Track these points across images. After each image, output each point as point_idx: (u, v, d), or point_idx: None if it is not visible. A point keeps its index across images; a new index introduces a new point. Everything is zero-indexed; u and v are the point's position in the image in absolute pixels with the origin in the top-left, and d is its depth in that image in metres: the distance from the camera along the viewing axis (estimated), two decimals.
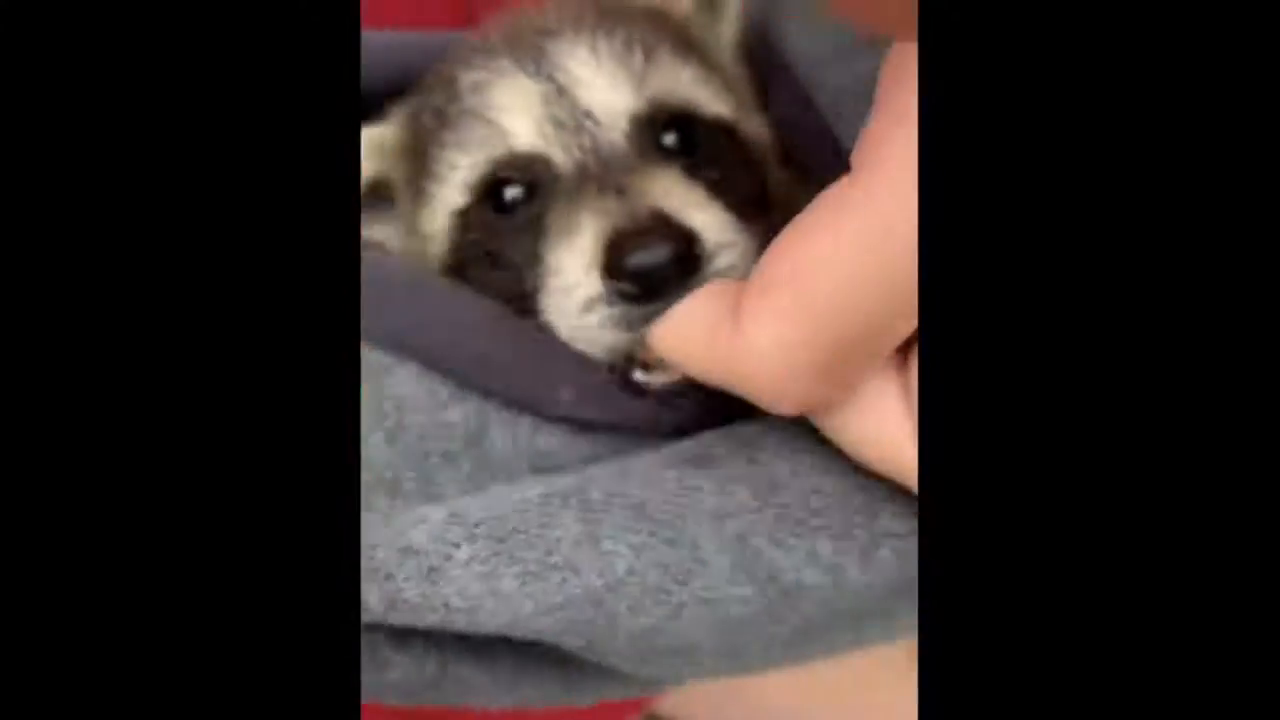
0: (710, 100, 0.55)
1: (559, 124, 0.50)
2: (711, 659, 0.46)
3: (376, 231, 0.57)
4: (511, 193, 0.51)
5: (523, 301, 0.48)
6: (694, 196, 0.47)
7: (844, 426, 0.41)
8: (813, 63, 0.55)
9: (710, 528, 0.42)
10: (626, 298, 0.43)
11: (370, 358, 0.45)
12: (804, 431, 0.44)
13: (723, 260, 0.44)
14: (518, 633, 0.42)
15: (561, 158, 0.50)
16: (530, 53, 0.53)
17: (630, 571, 0.41)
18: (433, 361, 0.45)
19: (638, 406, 0.46)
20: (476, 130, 0.52)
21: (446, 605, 0.41)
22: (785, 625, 0.44)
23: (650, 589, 0.41)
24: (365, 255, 0.45)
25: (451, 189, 0.52)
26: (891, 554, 0.43)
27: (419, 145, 0.55)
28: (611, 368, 0.46)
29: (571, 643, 0.43)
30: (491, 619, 0.41)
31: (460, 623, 0.42)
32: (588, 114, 0.50)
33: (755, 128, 0.57)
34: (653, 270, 0.42)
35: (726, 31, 0.61)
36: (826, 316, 0.36)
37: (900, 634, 0.49)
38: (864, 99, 0.46)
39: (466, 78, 0.53)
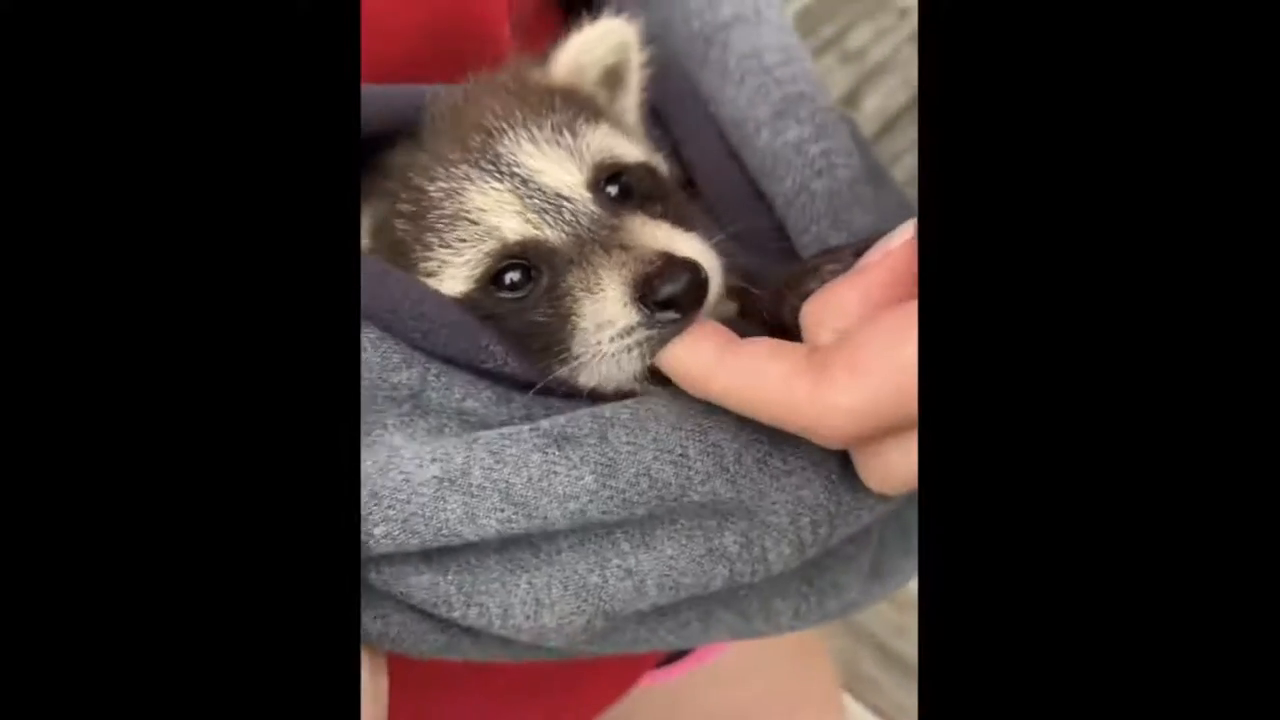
0: (626, 149, 0.65)
1: (541, 211, 0.60)
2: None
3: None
4: (511, 276, 0.60)
5: (542, 354, 0.58)
6: (667, 232, 0.59)
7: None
8: (742, 125, 0.69)
9: (559, 509, 0.53)
10: (659, 322, 0.55)
11: None
12: (658, 412, 0.56)
13: (714, 278, 0.56)
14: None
15: (553, 236, 0.59)
16: (486, 156, 0.62)
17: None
18: (388, 326, 0.56)
19: (546, 370, 0.58)
20: (465, 231, 0.60)
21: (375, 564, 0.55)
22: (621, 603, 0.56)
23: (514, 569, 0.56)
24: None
25: (451, 281, 0.60)
26: (683, 543, 0.56)
27: (396, 247, 0.62)
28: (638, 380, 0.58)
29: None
30: (403, 589, 0.55)
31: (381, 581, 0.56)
32: (558, 195, 0.60)
33: (660, 163, 0.69)
34: (681, 295, 0.54)
35: (630, 100, 0.73)
36: (894, 404, 0.47)
37: (722, 632, 0.61)
38: (788, 161, 0.66)
39: (436, 187, 0.62)
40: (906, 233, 0.52)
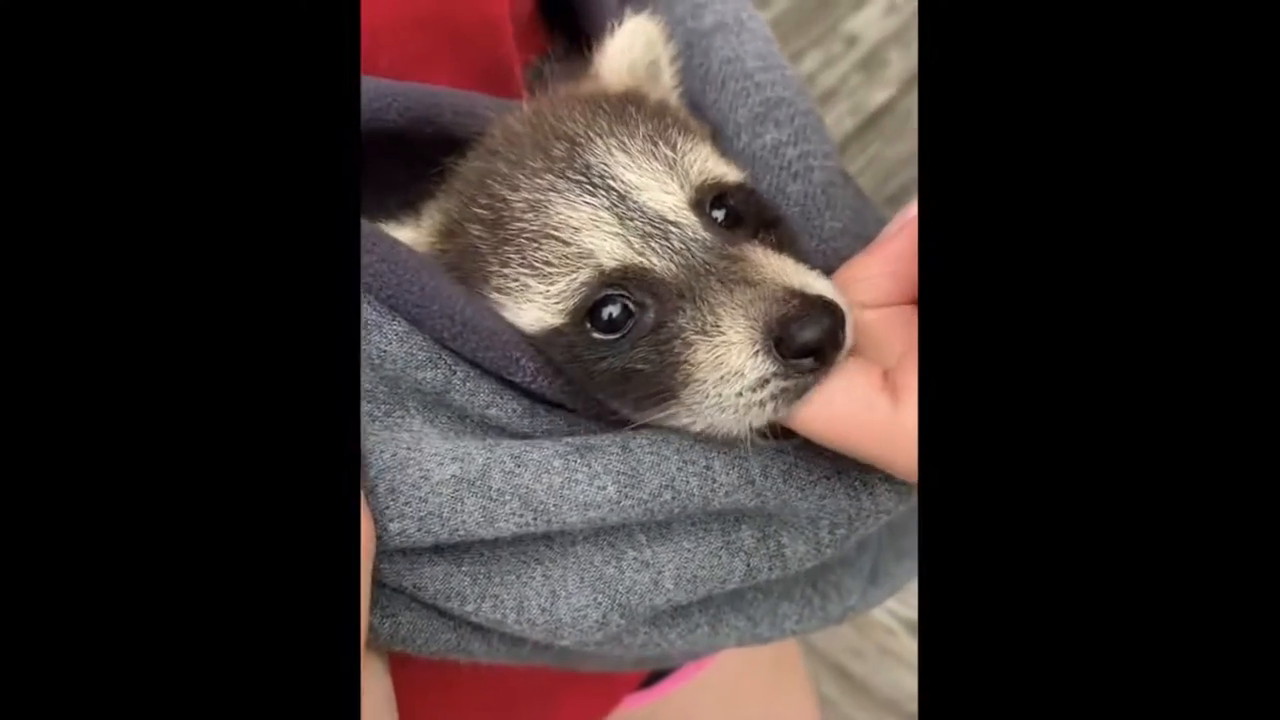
0: (722, 168, 0.59)
1: (645, 235, 0.53)
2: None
3: (400, 234, 0.59)
4: (610, 310, 0.54)
5: (636, 400, 0.53)
6: (793, 266, 0.53)
7: None
8: (723, 129, 0.66)
9: (579, 516, 0.51)
10: (796, 371, 0.49)
11: (367, 311, 0.51)
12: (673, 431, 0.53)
13: (850, 322, 0.51)
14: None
15: (660, 265, 0.53)
16: (574, 165, 0.55)
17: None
18: (417, 320, 0.51)
19: (576, 394, 0.54)
20: (553, 252, 0.53)
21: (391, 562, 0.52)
22: (639, 597, 0.54)
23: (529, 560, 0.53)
24: (385, 236, 0.53)
25: (539, 310, 0.54)
26: (708, 554, 0.54)
27: (469, 254, 0.57)
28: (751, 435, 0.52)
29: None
30: (415, 581, 0.53)
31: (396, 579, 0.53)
32: (662, 218, 0.54)
33: (749, 181, 0.63)
34: (821, 342, 0.49)
35: (668, 97, 0.69)
36: None
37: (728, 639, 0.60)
38: (766, 163, 0.62)
39: (519, 197, 0.55)
40: None
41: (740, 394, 0.50)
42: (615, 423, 0.55)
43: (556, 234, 0.54)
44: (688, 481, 0.51)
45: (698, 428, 0.53)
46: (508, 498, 0.50)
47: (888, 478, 0.55)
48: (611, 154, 0.56)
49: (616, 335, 0.53)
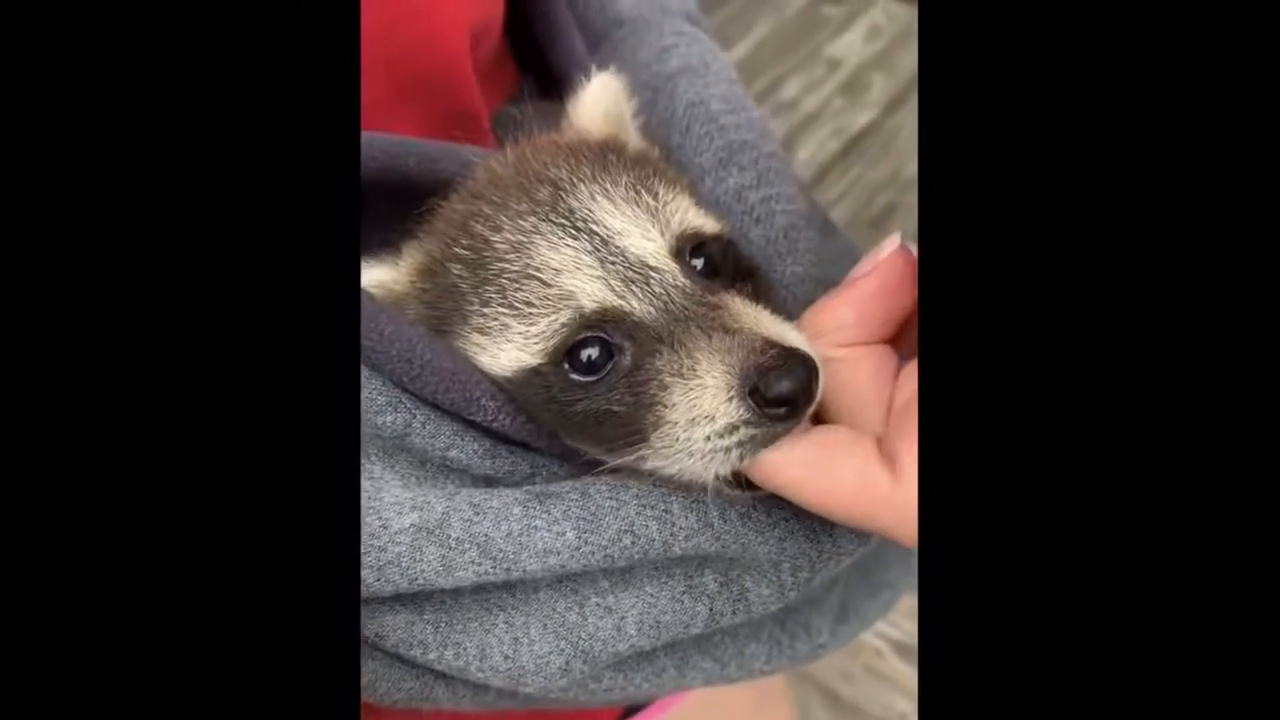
0: (702, 218, 0.59)
1: (626, 279, 0.53)
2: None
3: (375, 274, 0.59)
4: (589, 352, 0.53)
5: (608, 442, 0.53)
6: (770, 318, 0.53)
7: None
8: (687, 172, 0.65)
9: (539, 563, 0.51)
10: (768, 419, 0.49)
11: None
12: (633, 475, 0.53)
13: (822, 376, 0.50)
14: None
15: (639, 309, 0.53)
16: (557, 209, 0.55)
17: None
18: (376, 365, 0.52)
19: (539, 431, 0.55)
20: (535, 292, 0.53)
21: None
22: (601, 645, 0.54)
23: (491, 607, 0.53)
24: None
25: (517, 351, 0.54)
26: (670, 599, 0.54)
27: (449, 293, 0.56)
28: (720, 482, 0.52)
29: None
30: (377, 630, 0.53)
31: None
32: (642, 263, 0.54)
33: (728, 232, 0.62)
34: (795, 394, 0.48)
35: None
36: None
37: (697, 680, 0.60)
38: (729, 208, 0.63)
39: (501, 238, 0.55)
40: (893, 244, 0.53)
41: (708, 438, 0.50)
42: (580, 463, 0.55)
43: (538, 275, 0.54)
44: (647, 525, 0.52)
45: (667, 472, 0.52)
46: (466, 546, 0.50)
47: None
48: (595, 199, 0.56)
49: (594, 378, 0.53)
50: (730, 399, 0.49)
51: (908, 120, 2.04)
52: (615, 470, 0.54)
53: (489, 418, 0.53)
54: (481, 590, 0.53)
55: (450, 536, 0.50)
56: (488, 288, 0.55)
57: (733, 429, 0.49)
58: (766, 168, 0.66)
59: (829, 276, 0.61)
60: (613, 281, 0.53)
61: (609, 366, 0.53)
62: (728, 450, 0.50)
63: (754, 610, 0.55)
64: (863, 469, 0.47)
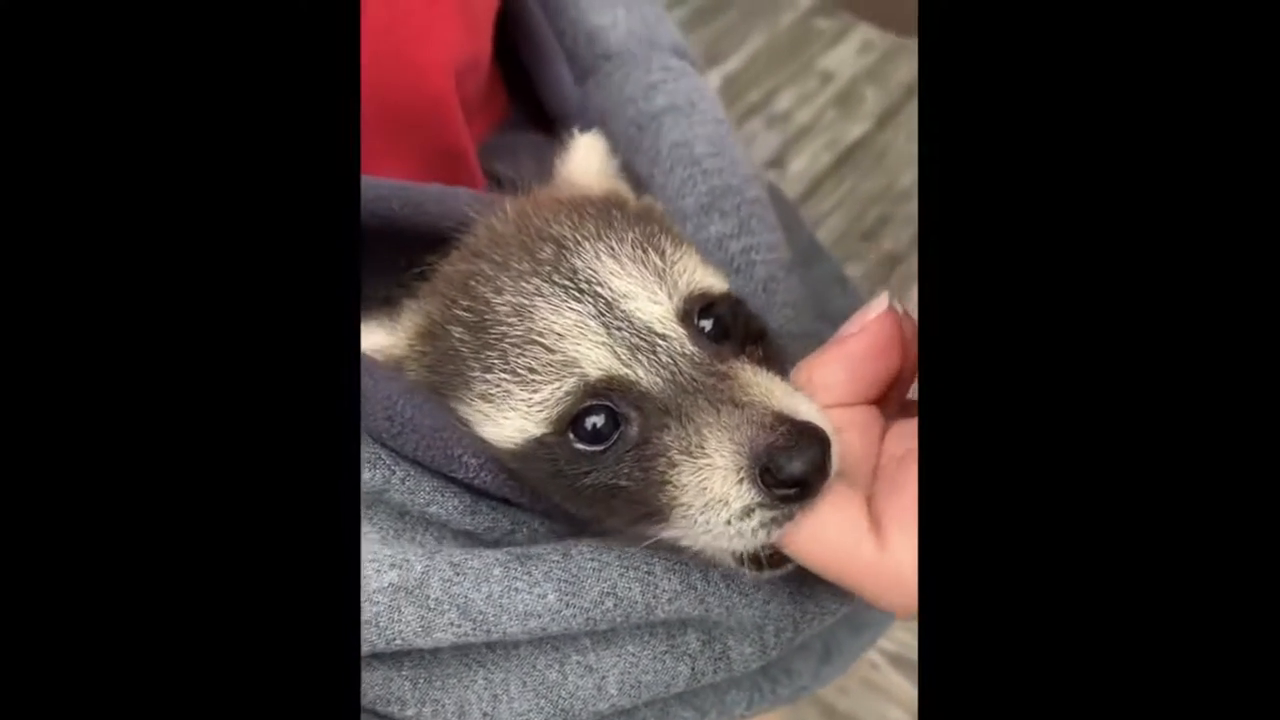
0: (710, 278, 0.57)
1: (633, 347, 0.51)
2: None
3: (373, 338, 0.58)
4: (594, 421, 0.51)
5: (619, 514, 0.51)
6: (782, 387, 0.50)
7: None
8: (671, 215, 0.64)
9: (519, 626, 0.50)
10: (782, 500, 0.47)
11: None
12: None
13: (835, 449, 0.48)
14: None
15: (646, 379, 0.50)
16: (560, 269, 0.53)
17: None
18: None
19: (523, 489, 0.54)
20: (538, 359, 0.51)
21: None
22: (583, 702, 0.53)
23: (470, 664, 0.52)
24: None
25: (521, 420, 0.52)
26: (653, 659, 0.53)
27: (449, 357, 0.55)
28: (741, 560, 0.51)
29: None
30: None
31: None
32: (649, 329, 0.52)
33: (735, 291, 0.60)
34: (807, 474, 0.46)
35: None
36: None
37: None
38: (711, 257, 0.61)
39: (503, 300, 0.53)
40: (882, 304, 0.52)
41: (729, 522, 0.48)
42: (563, 517, 0.55)
43: (541, 340, 0.52)
44: (630, 588, 0.51)
45: (691, 547, 0.51)
46: (446, 607, 0.49)
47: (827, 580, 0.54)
48: (600, 259, 0.54)
49: (601, 447, 0.51)
50: (740, 481, 0.47)
51: (900, 133, 2.04)
52: (603, 531, 0.53)
53: (470, 475, 0.52)
54: (461, 646, 0.52)
55: (429, 597, 0.49)
56: (489, 353, 0.53)
57: (749, 512, 0.47)
58: (748, 215, 0.66)
59: (803, 329, 0.60)
60: (619, 349, 0.51)
61: (615, 436, 0.51)
62: (753, 531, 0.48)
63: (736, 669, 0.55)
64: (851, 532, 0.46)
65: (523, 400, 0.52)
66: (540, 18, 0.79)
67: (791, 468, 0.46)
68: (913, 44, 2.18)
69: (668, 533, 0.50)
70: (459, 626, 0.49)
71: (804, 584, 0.55)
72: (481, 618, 0.49)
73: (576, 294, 0.53)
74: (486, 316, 0.53)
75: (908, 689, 1.49)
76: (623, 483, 0.50)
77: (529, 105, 0.83)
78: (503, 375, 0.52)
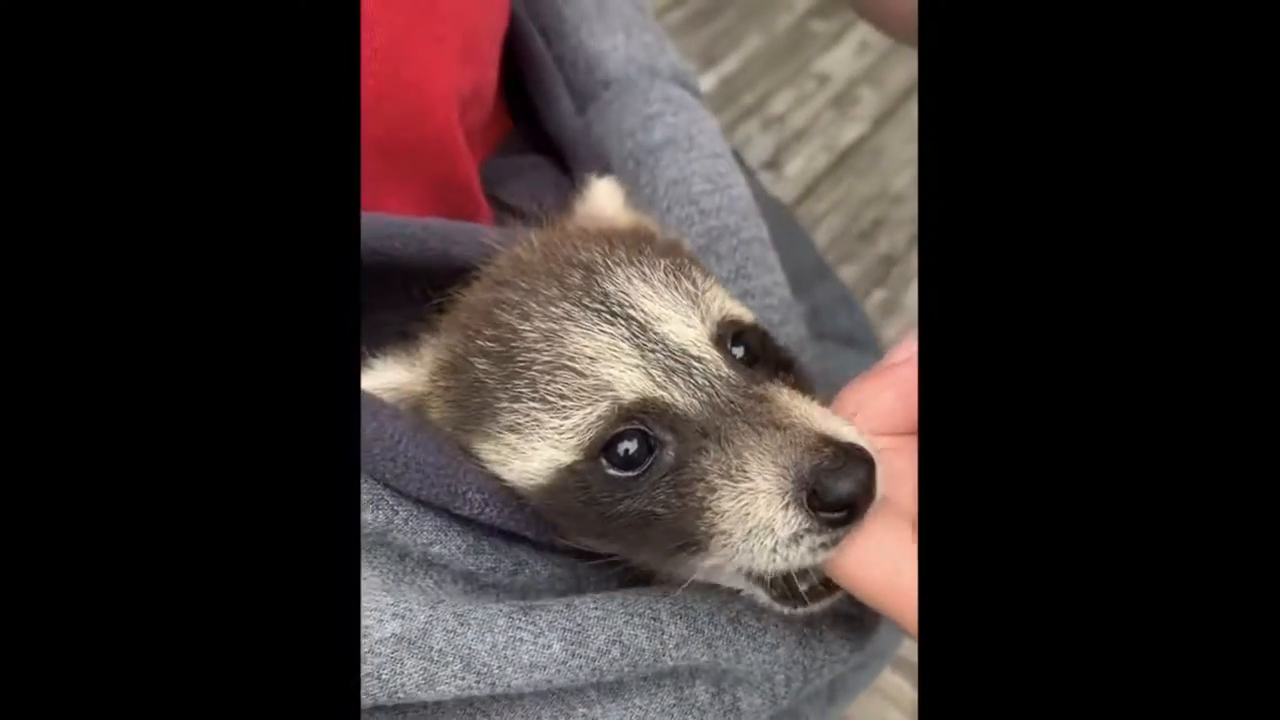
0: (739, 309, 0.56)
1: (668, 369, 0.49)
2: None
3: (389, 375, 0.57)
4: (627, 446, 0.49)
5: (663, 549, 0.49)
6: (820, 411, 0.49)
7: None
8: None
9: (524, 678, 0.48)
10: (830, 525, 0.46)
11: None
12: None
13: (880, 471, 0.46)
14: None
15: (683, 401, 0.49)
16: (591, 294, 0.52)
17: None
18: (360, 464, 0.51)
19: (531, 520, 0.52)
20: (569, 384, 0.50)
21: None
22: None
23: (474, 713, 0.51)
24: None
25: (551, 448, 0.50)
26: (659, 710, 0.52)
27: (473, 389, 0.53)
28: (778, 584, 0.49)
29: None
30: None
31: None
32: (684, 351, 0.50)
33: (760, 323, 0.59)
34: (856, 496, 0.45)
35: None
36: None
37: None
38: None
39: (531, 326, 0.51)
40: None
41: (774, 549, 0.46)
42: (572, 553, 0.54)
43: (572, 364, 0.50)
44: (636, 635, 0.50)
45: (727, 583, 0.50)
46: (450, 659, 0.48)
47: (836, 621, 0.55)
48: (631, 283, 0.52)
49: (634, 473, 0.49)
50: (786, 506, 0.46)
51: (897, 135, 2.05)
52: (610, 563, 0.52)
53: (475, 510, 0.51)
54: (464, 699, 0.51)
55: (433, 648, 0.48)
56: (517, 382, 0.51)
57: (797, 539, 0.46)
58: (745, 258, 0.65)
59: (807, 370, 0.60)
60: (653, 371, 0.49)
61: (649, 462, 0.49)
62: (800, 558, 0.46)
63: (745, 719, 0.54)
64: (895, 558, 0.45)
65: (553, 429, 0.50)
66: (540, 44, 0.79)
67: (839, 489, 0.44)
68: (909, 48, 2.19)
69: (707, 562, 0.49)
70: (462, 679, 0.48)
71: (813, 627, 0.54)
72: (485, 670, 0.48)
73: (609, 317, 0.51)
74: (513, 344, 0.52)
75: (908, 691, 1.50)
76: (659, 510, 0.48)
77: (529, 125, 0.82)
78: (532, 404, 0.50)
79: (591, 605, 0.50)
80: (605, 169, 0.69)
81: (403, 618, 0.48)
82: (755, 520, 0.46)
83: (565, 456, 0.50)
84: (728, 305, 0.55)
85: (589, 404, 0.50)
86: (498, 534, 0.53)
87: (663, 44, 0.80)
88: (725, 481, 0.47)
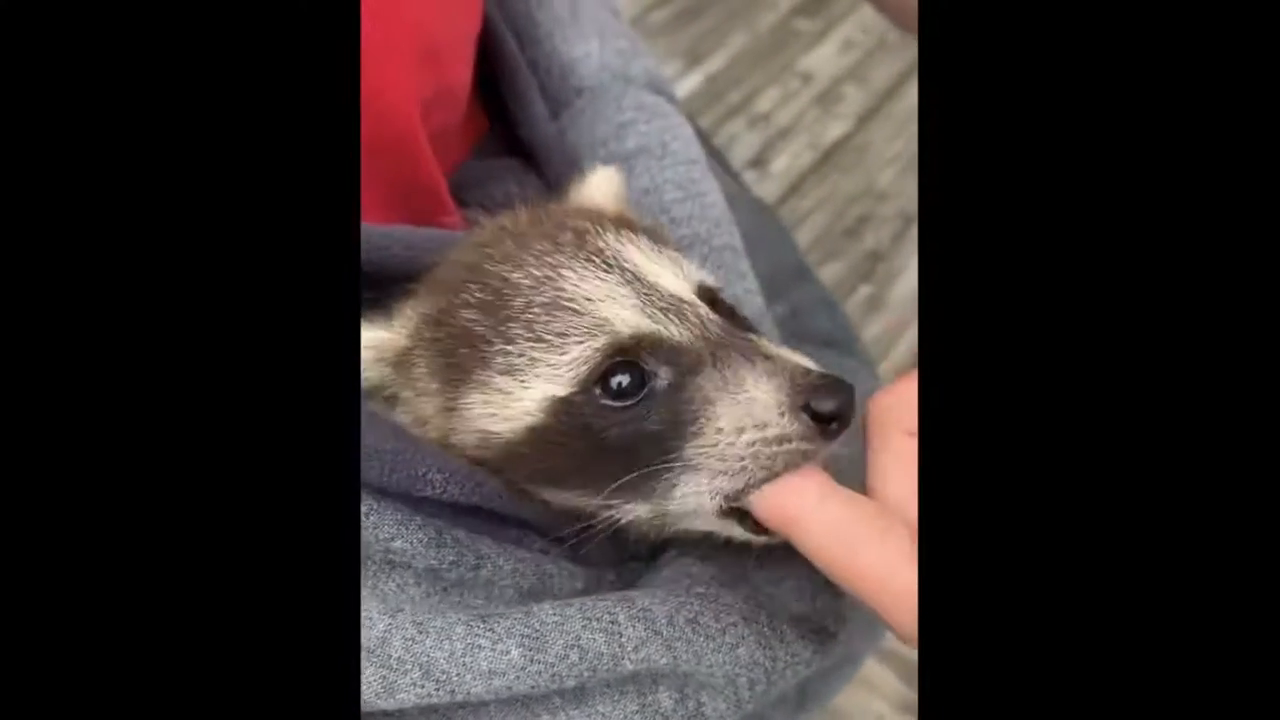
0: (709, 277, 0.60)
1: (664, 309, 0.53)
2: None
3: (369, 334, 0.57)
4: (620, 380, 0.52)
5: (646, 465, 0.51)
6: (800, 356, 0.53)
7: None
8: None
9: (483, 685, 0.49)
10: (822, 436, 0.49)
11: None
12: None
13: (858, 401, 0.50)
14: None
15: (678, 334, 0.52)
16: (585, 249, 0.55)
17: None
18: None
19: (495, 493, 0.53)
20: (566, 322, 0.52)
21: None
22: None
23: None
24: None
25: (544, 382, 0.52)
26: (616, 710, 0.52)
27: (460, 340, 0.55)
28: (727, 508, 0.52)
29: None
30: None
31: None
32: (676, 297, 0.54)
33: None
34: (844, 409, 0.49)
35: None
36: None
37: None
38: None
39: (524, 274, 0.54)
40: None
41: (753, 444, 0.50)
42: (536, 549, 0.55)
43: (570, 305, 0.53)
44: (594, 639, 0.50)
45: (677, 507, 0.51)
46: (409, 667, 0.48)
47: (797, 623, 0.56)
48: (622, 244, 0.56)
49: (628, 403, 0.52)
50: (783, 414, 0.50)
51: (881, 132, 2.06)
52: (579, 536, 0.53)
53: (438, 490, 0.51)
54: (426, 709, 0.52)
55: (391, 656, 0.48)
56: (511, 325, 0.53)
57: (783, 440, 0.49)
58: (717, 266, 0.66)
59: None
60: (648, 310, 0.53)
61: (641, 394, 0.52)
62: (771, 459, 0.49)
63: None
64: (890, 556, 0.45)
65: (549, 365, 0.52)
66: (514, 49, 0.79)
67: (828, 405, 0.49)
68: (893, 44, 2.20)
69: (684, 487, 0.51)
70: (422, 687, 0.49)
71: (772, 627, 0.55)
72: (445, 677, 0.49)
73: (604, 267, 0.54)
74: (505, 292, 0.54)
75: (893, 682, 1.52)
76: (652, 427, 0.51)
77: (505, 129, 0.82)
78: (527, 344, 0.53)
79: (549, 611, 0.52)
80: (579, 176, 0.69)
81: (361, 625, 0.49)
82: (749, 419, 0.50)
83: (560, 390, 0.52)
84: (702, 275, 0.59)
85: (587, 339, 0.52)
86: (460, 528, 0.54)
87: (637, 49, 0.80)
88: (723, 393, 0.51)
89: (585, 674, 0.51)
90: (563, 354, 0.52)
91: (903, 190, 1.96)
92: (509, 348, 0.53)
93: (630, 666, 0.51)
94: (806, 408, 0.49)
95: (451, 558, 0.53)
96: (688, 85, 2.09)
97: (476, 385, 0.54)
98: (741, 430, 0.50)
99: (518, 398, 0.53)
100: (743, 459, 0.50)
